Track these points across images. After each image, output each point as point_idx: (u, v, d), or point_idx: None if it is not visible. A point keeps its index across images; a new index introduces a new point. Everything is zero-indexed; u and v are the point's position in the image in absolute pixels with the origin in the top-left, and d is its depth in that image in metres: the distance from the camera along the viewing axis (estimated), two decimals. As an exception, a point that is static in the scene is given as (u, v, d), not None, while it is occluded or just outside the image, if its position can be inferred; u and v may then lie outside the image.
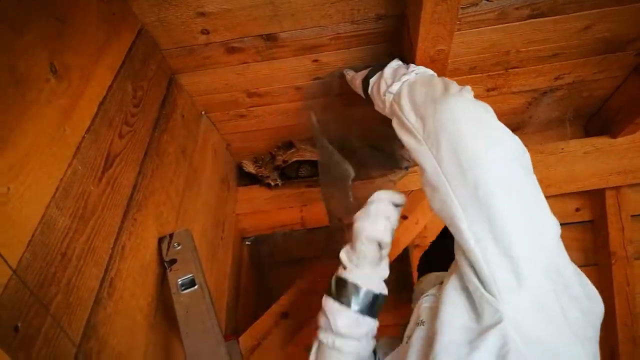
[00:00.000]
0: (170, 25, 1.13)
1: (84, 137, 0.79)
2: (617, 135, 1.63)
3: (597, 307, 0.66)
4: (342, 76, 1.34)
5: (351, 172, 1.21)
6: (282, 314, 1.40)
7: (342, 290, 0.88)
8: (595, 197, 1.85)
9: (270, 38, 1.19)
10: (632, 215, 1.81)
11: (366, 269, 0.90)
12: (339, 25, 1.17)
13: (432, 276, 1.01)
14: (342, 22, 1.16)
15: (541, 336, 0.59)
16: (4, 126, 0.61)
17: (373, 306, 0.88)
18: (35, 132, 0.67)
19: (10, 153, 0.61)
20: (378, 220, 0.90)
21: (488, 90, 1.50)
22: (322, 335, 0.89)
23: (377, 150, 1.70)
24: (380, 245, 0.90)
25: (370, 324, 0.89)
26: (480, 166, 0.69)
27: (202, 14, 1.10)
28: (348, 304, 0.86)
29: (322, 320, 0.90)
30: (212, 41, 1.19)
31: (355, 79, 1.20)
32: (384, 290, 0.91)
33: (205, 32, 1.15)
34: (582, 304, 0.64)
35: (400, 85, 0.95)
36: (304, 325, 1.38)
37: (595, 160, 1.66)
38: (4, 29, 0.65)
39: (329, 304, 0.88)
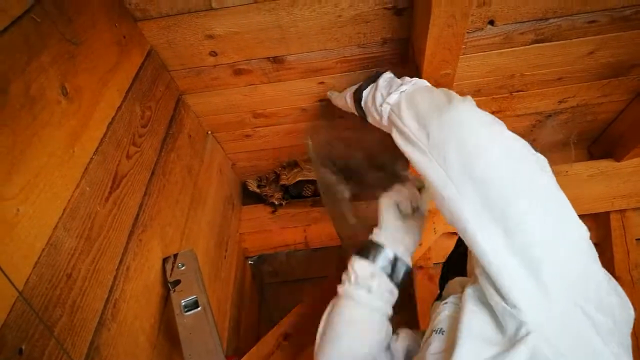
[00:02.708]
0: (179, 47, 1.14)
1: (92, 158, 0.79)
2: (621, 158, 1.63)
3: (628, 313, 0.64)
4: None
5: (346, 193, 1.21)
6: (285, 334, 1.39)
7: (365, 249, 0.96)
8: (599, 220, 1.84)
9: (277, 60, 1.21)
10: (637, 239, 1.80)
11: (389, 232, 0.97)
12: (345, 49, 1.19)
13: (456, 282, 0.96)
14: (349, 45, 1.18)
15: (572, 346, 0.57)
16: (16, 148, 0.61)
17: (394, 269, 0.94)
18: (46, 153, 0.67)
19: (21, 175, 0.61)
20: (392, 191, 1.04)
21: (492, 113, 1.48)
22: (339, 288, 0.94)
23: (382, 171, 1.71)
24: (399, 209, 0.99)
25: (388, 285, 0.92)
26: (491, 170, 0.67)
27: (210, 37, 1.12)
28: (367, 258, 0.93)
29: (343, 276, 0.96)
30: (220, 63, 1.20)
31: (341, 96, 1.19)
32: (405, 257, 0.96)
33: (213, 54, 1.17)
34: (614, 311, 0.62)
35: (398, 96, 0.93)
36: (306, 346, 1.37)
37: (599, 183, 1.66)
38: (22, 51, 0.67)
39: (352, 258, 0.96)
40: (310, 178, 1.67)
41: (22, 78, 0.65)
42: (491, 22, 1.13)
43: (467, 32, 1.14)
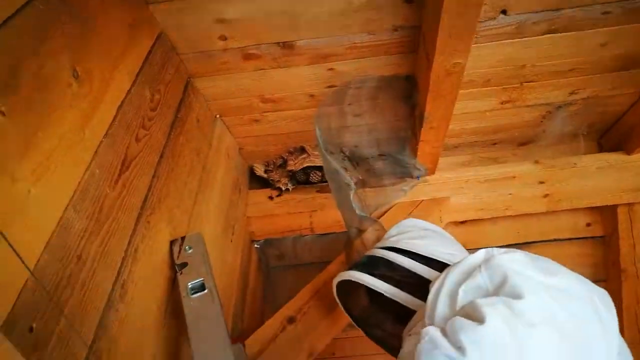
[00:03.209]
0: (189, 31, 1.14)
1: (102, 140, 0.80)
2: (631, 151, 1.61)
3: None
4: (355, 86, 1.36)
5: (352, 184, 1.22)
6: (289, 318, 1.41)
7: None
8: (607, 213, 1.83)
9: (286, 46, 1.20)
10: (643, 233, 1.79)
11: None
12: (355, 35, 1.18)
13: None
14: (359, 32, 1.17)
15: None
16: (28, 130, 0.62)
17: None
18: (57, 135, 0.68)
19: (33, 156, 0.62)
20: None
21: (502, 103, 1.50)
22: None
23: (388, 158, 1.71)
24: None
25: None
26: None
27: (221, 21, 1.12)
28: None
29: None
30: (229, 47, 1.20)
31: None
32: None
33: (223, 38, 1.17)
34: None
35: None
36: (310, 330, 1.39)
37: (608, 176, 1.65)
38: (32, 34, 0.67)
39: None
40: (318, 164, 1.67)
41: (34, 61, 0.66)
42: (504, 12, 1.12)
43: (479, 22, 1.13)
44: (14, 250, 0.55)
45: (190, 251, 1.03)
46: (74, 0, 0.78)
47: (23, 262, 0.57)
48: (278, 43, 1.20)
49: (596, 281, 1.91)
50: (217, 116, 1.48)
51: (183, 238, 1.05)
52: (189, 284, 0.95)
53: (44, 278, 0.61)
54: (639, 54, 1.30)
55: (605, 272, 1.90)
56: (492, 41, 1.21)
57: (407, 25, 1.16)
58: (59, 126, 0.69)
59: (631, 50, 1.28)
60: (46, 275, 0.61)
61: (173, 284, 1.00)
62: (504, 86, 1.41)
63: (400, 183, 1.67)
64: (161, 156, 1.04)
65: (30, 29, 0.66)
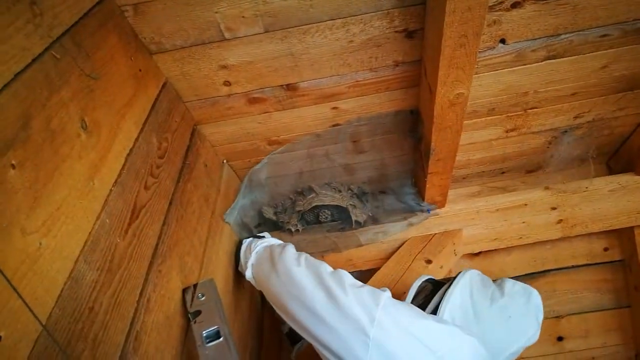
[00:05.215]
0: (194, 78, 1.16)
1: (111, 190, 0.80)
2: (642, 172, 1.60)
3: None
4: (358, 124, 1.36)
5: None
6: (307, 365, 1.36)
7: None
8: (624, 236, 1.79)
9: (290, 88, 1.22)
10: (664, 254, 1.75)
11: None
12: (357, 73, 1.20)
13: None
14: (361, 70, 1.18)
15: None
16: (38, 182, 0.62)
17: None
18: (67, 186, 0.68)
19: (43, 208, 0.62)
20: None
21: (507, 131, 1.50)
22: None
23: (397, 194, 1.70)
24: None
25: None
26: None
27: (224, 67, 1.14)
28: None
29: None
30: (234, 92, 1.22)
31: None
32: None
33: (227, 83, 1.18)
34: None
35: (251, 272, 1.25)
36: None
37: (621, 198, 1.62)
38: (43, 87, 0.68)
39: None
40: (326, 203, 1.66)
41: (43, 113, 0.66)
42: (502, 41, 1.14)
43: (479, 51, 1.14)
44: (26, 304, 0.54)
45: (203, 298, 1.00)
46: (81, 53, 0.79)
47: (36, 317, 0.55)
48: (282, 85, 1.22)
49: (619, 308, 1.85)
50: (225, 161, 1.49)
51: (195, 285, 1.03)
52: (204, 332, 0.93)
53: (56, 332, 0.59)
54: (640, 75, 1.31)
55: (628, 297, 1.84)
56: (493, 70, 1.22)
57: (408, 60, 1.17)
58: (69, 177, 0.69)
59: (633, 71, 1.29)
60: (58, 329, 0.60)
61: (187, 333, 0.98)
62: (508, 114, 1.42)
63: (409, 217, 1.65)
64: (170, 203, 1.03)
65: (39, 83, 0.67)
